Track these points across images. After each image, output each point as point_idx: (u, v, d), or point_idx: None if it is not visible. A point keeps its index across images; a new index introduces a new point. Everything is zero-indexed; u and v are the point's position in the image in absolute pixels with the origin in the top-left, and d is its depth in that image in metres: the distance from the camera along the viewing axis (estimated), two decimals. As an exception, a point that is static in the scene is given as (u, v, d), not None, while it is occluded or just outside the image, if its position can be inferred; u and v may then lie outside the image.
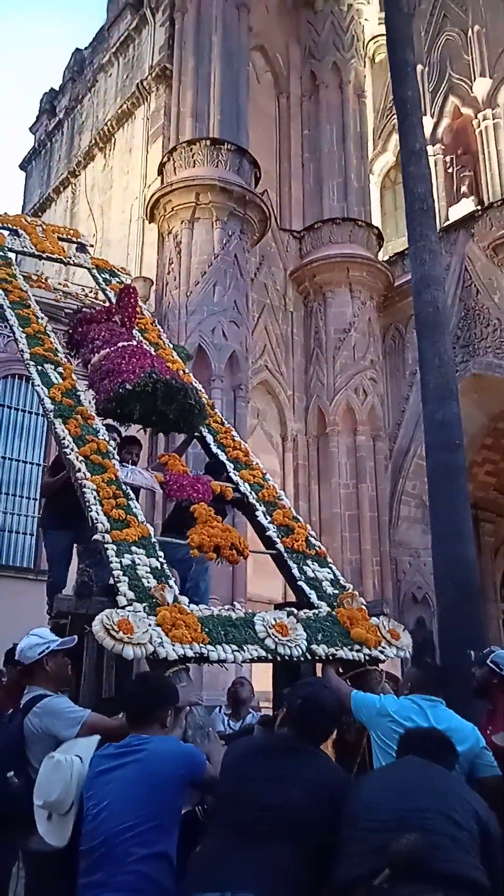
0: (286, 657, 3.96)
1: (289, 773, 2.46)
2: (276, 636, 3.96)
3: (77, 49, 19.98)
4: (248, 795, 2.44)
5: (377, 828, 2.18)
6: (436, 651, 9.51)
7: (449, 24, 17.77)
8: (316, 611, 4.45)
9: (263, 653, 3.91)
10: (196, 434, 5.94)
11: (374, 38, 18.25)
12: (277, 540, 4.99)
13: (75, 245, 8.78)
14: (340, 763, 3.43)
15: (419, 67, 17.99)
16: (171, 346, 7.31)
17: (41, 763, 2.97)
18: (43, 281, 7.59)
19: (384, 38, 13.83)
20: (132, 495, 4.65)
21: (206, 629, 3.78)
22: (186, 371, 6.69)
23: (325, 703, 2.77)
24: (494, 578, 19.78)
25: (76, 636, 3.59)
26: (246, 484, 5.40)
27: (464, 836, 2.20)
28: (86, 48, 19.65)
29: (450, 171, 17.17)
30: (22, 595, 9.23)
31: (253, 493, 5.35)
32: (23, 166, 21.81)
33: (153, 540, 4.33)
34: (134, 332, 6.65)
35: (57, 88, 20.72)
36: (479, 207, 15.80)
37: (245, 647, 3.84)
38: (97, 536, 4.17)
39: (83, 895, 2.50)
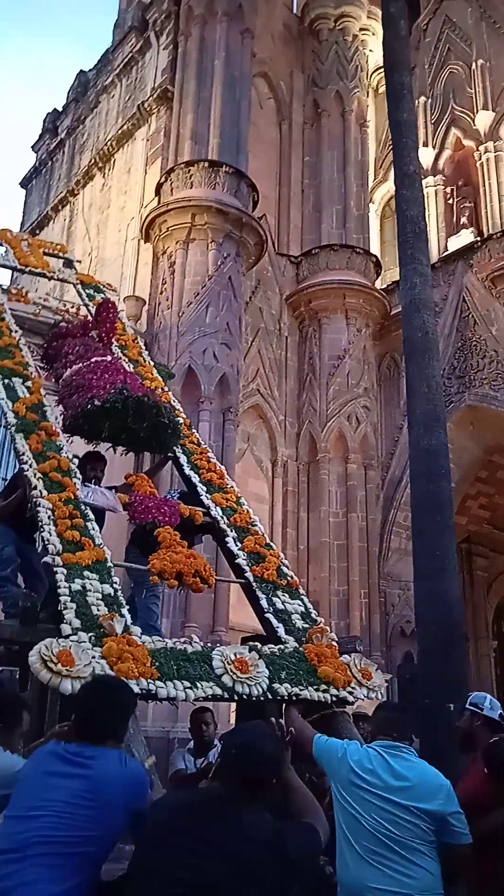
0: (244, 696, 3.67)
1: (210, 842, 2.11)
2: (234, 673, 3.68)
3: (81, 71, 20.05)
4: (165, 869, 2.10)
5: None
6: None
7: (453, 58, 17.85)
8: (282, 646, 4.17)
9: (219, 691, 3.62)
10: (170, 454, 5.71)
11: (378, 69, 18.30)
12: (247, 568, 4.73)
13: (62, 260, 8.65)
14: None
15: (423, 99, 18.09)
16: (153, 363, 7.11)
17: None
18: (22, 295, 7.40)
19: (387, 67, 13.93)
20: (91, 516, 4.39)
21: (157, 663, 3.50)
22: (165, 389, 6.48)
23: (263, 753, 2.37)
24: (487, 615, 19.40)
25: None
26: (218, 508, 5.15)
27: None
28: (90, 70, 19.73)
29: (450, 201, 17.15)
30: None
31: (224, 517, 5.10)
32: (23, 184, 21.81)
33: (109, 564, 4.05)
34: (113, 348, 6.46)
35: (60, 109, 20.78)
36: (478, 239, 15.72)
37: (199, 685, 3.55)
38: (47, 559, 3.90)
39: None
